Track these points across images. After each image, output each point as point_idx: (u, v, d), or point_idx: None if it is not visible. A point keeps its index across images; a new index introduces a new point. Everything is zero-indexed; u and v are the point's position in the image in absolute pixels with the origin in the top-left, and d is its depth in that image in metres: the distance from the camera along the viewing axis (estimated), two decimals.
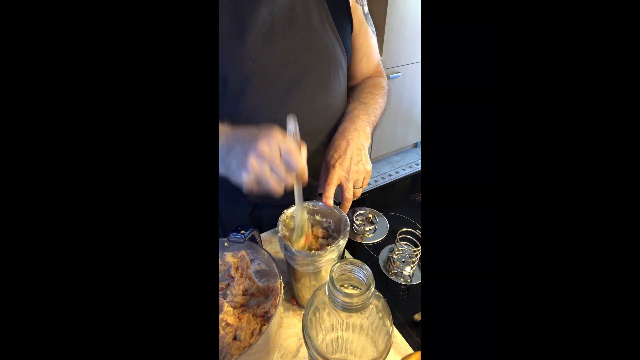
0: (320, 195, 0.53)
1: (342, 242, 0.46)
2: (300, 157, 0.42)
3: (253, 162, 0.40)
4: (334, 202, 0.52)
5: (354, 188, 0.54)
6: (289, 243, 0.46)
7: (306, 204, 0.52)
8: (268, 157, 0.40)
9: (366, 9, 0.66)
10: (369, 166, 0.56)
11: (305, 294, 0.51)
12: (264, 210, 0.71)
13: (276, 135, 0.41)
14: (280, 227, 0.48)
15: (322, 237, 0.53)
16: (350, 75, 0.70)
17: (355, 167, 0.54)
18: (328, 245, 0.49)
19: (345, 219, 0.49)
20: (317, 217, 0.54)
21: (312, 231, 0.52)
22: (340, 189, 0.54)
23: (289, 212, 0.50)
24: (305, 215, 0.50)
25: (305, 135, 0.60)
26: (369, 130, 0.60)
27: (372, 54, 0.70)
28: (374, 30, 0.69)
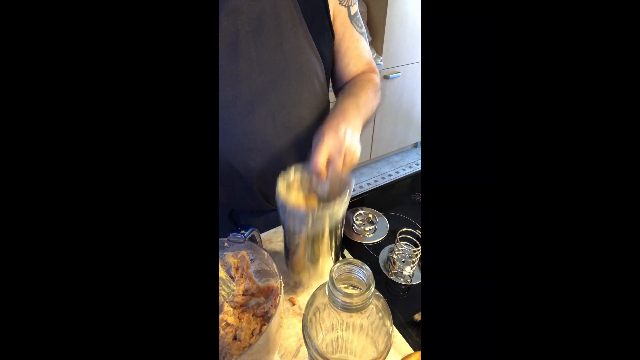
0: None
1: (347, 197, 0.45)
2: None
3: None
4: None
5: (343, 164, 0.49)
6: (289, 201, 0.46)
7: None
8: None
9: (353, 10, 0.62)
10: (359, 151, 0.50)
11: (300, 268, 0.51)
12: (241, 214, 0.73)
13: None
14: (279, 188, 0.47)
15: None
16: (337, 78, 0.67)
17: (348, 142, 0.48)
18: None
19: (348, 181, 0.48)
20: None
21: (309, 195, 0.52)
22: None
23: (288, 175, 0.50)
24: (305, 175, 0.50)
25: (273, 149, 0.59)
26: (359, 122, 0.54)
27: (360, 57, 0.66)
28: (364, 31, 0.66)
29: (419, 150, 2.58)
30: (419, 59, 2.10)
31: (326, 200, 0.51)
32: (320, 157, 0.46)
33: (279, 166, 0.55)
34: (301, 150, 0.61)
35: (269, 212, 0.70)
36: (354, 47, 0.64)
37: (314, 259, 0.50)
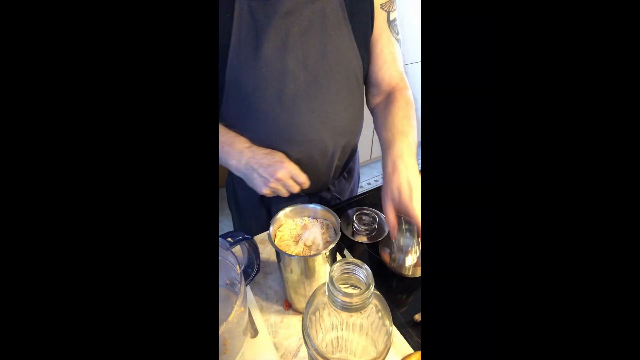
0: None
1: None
2: (306, 179, 0.62)
3: (273, 184, 0.60)
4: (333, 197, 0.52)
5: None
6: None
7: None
8: (284, 181, 0.60)
9: (392, 16, 0.65)
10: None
11: (295, 300, 0.52)
12: (272, 199, 0.76)
13: (287, 165, 0.60)
14: (272, 229, 0.48)
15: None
16: (371, 83, 0.69)
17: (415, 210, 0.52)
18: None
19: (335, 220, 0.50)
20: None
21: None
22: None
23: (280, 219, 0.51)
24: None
25: (310, 141, 0.64)
26: (414, 162, 0.56)
27: (393, 62, 0.67)
28: (400, 38, 0.67)
29: (419, 150, 2.57)
30: (419, 59, 2.10)
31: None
32: (391, 216, 0.52)
33: (314, 156, 0.65)
34: (335, 141, 0.66)
35: (297, 198, 0.73)
36: (388, 51, 0.66)
37: (307, 292, 0.50)
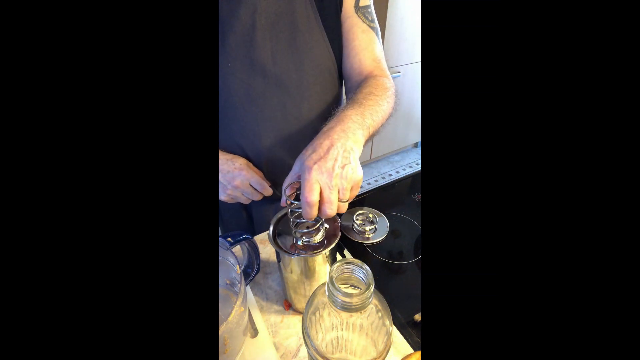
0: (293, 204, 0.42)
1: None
2: (267, 187, 0.64)
3: (230, 192, 0.62)
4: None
5: (338, 201, 0.41)
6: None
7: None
8: (241, 188, 0.62)
9: (363, 2, 0.61)
10: (359, 173, 0.42)
11: (295, 299, 0.51)
12: (253, 204, 0.75)
13: (246, 173, 0.61)
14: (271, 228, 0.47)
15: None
16: (345, 76, 0.66)
17: (341, 170, 0.40)
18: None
19: (337, 226, 0.46)
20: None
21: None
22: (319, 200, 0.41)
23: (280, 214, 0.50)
24: None
25: (283, 136, 0.61)
26: (360, 134, 0.46)
27: (365, 50, 0.61)
28: (375, 26, 0.63)
29: (419, 150, 2.57)
30: (419, 59, 2.10)
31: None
32: (311, 196, 0.38)
33: (288, 152, 0.62)
34: (309, 137, 0.52)
35: (278, 202, 0.71)
36: (359, 41, 0.61)
37: (307, 291, 0.50)
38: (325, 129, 0.46)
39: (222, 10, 0.53)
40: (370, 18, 0.62)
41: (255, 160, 0.65)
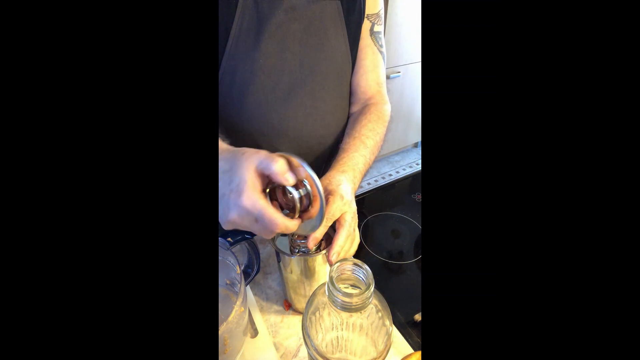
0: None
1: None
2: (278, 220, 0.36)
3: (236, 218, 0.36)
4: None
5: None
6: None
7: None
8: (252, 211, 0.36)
9: (377, 28, 0.66)
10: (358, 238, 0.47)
11: (295, 300, 0.51)
12: None
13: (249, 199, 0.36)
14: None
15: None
16: (350, 90, 0.69)
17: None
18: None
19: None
20: None
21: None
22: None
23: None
24: None
25: (299, 136, 0.63)
26: (352, 188, 0.48)
27: (372, 71, 0.67)
28: (383, 51, 0.68)
29: (419, 150, 2.57)
30: (419, 59, 2.10)
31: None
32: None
33: (302, 154, 0.58)
34: (325, 140, 0.66)
35: None
36: (369, 60, 0.67)
37: (307, 291, 0.50)
38: (340, 176, 0.48)
39: (262, 9, 0.55)
40: (380, 43, 0.68)
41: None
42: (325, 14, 0.59)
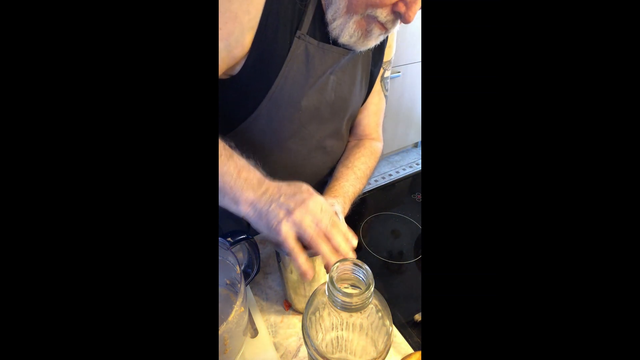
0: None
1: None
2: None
3: (307, 222, 0.41)
4: None
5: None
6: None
7: None
8: (318, 219, 0.42)
9: (387, 74, 0.71)
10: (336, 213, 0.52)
11: (295, 299, 0.51)
12: None
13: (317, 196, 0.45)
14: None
15: None
16: (352, 127, 0.74)
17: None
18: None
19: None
20: None
21: None
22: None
23: None
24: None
25: (313, 177, 0.68)
26: (342, 211, 0.56)
27: (375, 114, 0.72)
28: (386, 94, 0.73)
29: (419, 150, 2.57)
30: (419, 59, 2.10)
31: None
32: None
33: (302, 179, 0.53)
34: (329, 171, 0.70)
35: None
36: (374, 103, 0.72)
37: (307, 292, 0.50)
38: (332, 200, 0.56)
39: (312, 61, 0.56)
40: (386, 87, 0.73)
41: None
42: (358, 66, 0.62)
